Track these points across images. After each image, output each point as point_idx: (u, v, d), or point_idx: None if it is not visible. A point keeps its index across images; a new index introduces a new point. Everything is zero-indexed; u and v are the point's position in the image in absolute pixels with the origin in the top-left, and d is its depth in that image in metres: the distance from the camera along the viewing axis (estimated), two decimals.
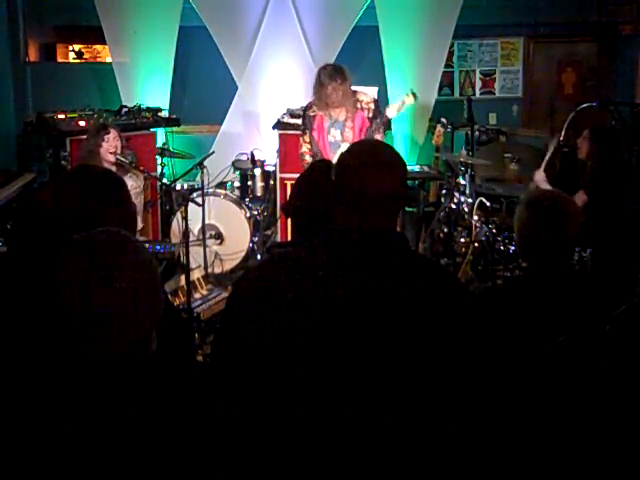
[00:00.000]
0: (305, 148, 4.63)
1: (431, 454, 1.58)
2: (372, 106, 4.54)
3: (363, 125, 4.52)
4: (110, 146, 4.44)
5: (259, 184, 6.05)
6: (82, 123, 5.60)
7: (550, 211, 2.17)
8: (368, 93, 4.65)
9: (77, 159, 4.80)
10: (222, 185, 6.08)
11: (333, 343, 1.55)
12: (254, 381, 1.58)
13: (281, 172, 5.91)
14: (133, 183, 4.60)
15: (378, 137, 4.54)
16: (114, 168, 4.34)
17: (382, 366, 1.56)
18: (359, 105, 4.51)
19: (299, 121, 5.06)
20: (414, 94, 4.70)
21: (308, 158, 4.62)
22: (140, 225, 4.72)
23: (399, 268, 1.63)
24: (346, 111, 4.49)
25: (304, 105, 4.76)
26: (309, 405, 1.56)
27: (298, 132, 4.86)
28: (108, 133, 4.45)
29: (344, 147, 4.48)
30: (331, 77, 4.36)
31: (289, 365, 1.56)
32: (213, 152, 5.30)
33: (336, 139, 4.55)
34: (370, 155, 1.70)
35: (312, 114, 4.59)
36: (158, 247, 4.30)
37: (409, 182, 5.80)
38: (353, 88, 4.55)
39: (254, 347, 1.58)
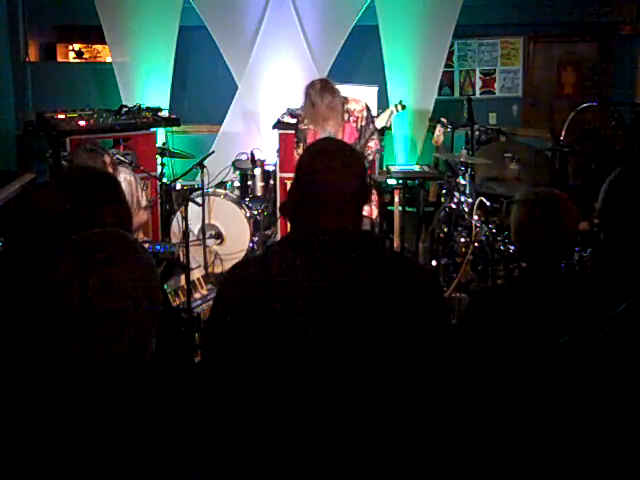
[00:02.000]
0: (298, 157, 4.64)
1: (414, 448, 1.59)
2: (365, 114, 4.54)
3: (351, 135, 4.53)
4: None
5: (259, 184, 6.05)
6: (82, 123, 5.60)
7: (546, 209, 2.16)
8: (360, 100, 4.64)
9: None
10: (222, 185, 6.07)
11: (309, 343, 1.57)
12: (245, 378, 1.58)
13: (281, 172, 5.91)
14: (125, 178, 4.58)
15: (372, 144, 4.57)
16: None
17: (361, 360, 1.57)
18: (346, 116, 4.51)
19: None
20: (403, 105, 4.74)
21: None
22: (145, 217, 4.68)
23: (367, 265, 1.63)
24: (336, 123, 4.49)
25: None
26: (293, 401, 1.56)
27: None
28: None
29: None
30: (321, 95, 4.37)
31: (272, 363, 1.57)
32: (213, 152, 5.30)
33: None
34: (324, 154, 1.71)
35: (304, 127, 4.61)
36: (158, 247, 4.30)
37: (409, 182, 5.79)
38: (344, 95, 4.55)
39: (240, 346, 1.59)
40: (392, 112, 4.69)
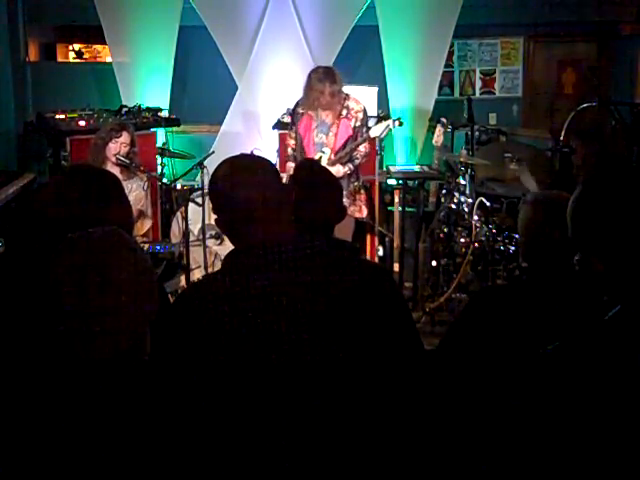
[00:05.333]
0: (290, 142, 4.71)
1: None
2: (360, 115, 4.59)
3: (345, 133, 4.57)
4: (115, 147, 4.45)
5: None
6: (82, 123, 5.60)
7: (555, 211, 2.15)
8: (360, 102, 4.68)
9: (85, 152, 4.79)
10: None
11: (277, 355, 1.55)
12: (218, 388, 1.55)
13: (281, 172, 5.89)
14: (138, 187, 4.60)
15: (362, 148, 4.60)
16: (117, 169, 4.36)
17: (328, 364, 1.57)
18: (345, 112, 4.55)
19: None
20: (401, 122, 4.80)
21: (290, 151, 4.75)
22: (149, 224, 4.73)
23: (315, 271, 1.62)
24: (333, 115, 4.53)
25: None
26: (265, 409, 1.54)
27: None
28: (119, 136, 4.46)
29: (326, 151, 4.53)
30: (321, 80, 4.41)
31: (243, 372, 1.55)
32: (213, 152, 5.30)
33: (321, 141, 4.59)
34: (237, 172, 1.70)
35: (301, 111, 4.66)
36: (158, 247, 4.30)
37: (409, 182, 5.80)
38: (347, 92, 4.59)
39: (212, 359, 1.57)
40: (388, 126, 4.72)
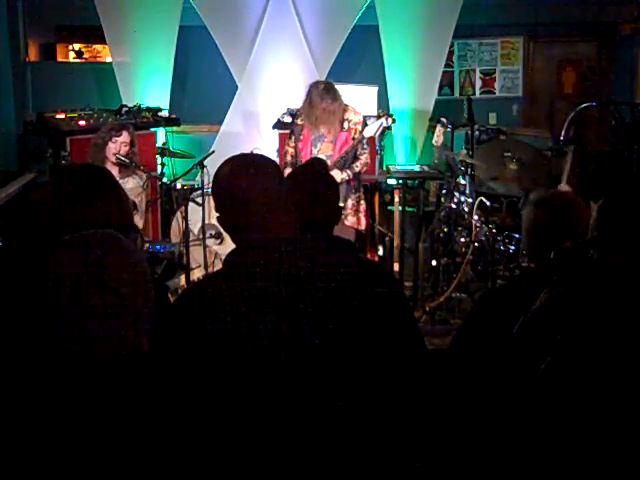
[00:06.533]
0: (289, 150, 4.72)
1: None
2: (359, 127, 4.64)
3: (345, 144, 4.59)
4: (115, 147, 4.46)
5: None
6: (82, 123, 5.60)
7: (560, 211, 2.14)
8: (359, 113, 4.72)
9: (85, 152, 4.79)
10: None
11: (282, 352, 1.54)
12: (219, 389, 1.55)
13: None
14: (135, 183, 4.60)
15: (363, 157, 4.65)
16: (116, 168, 4.37)
17: (331, 368, 1.56)
18: (346, 125, 4.59)
19: None
20: (394, 119, 4.82)
21: (289, 159, 4.75)
22: (141, 225, 4.72)
23: (317, 270, 1.61)
24: (332, 129, 4.55)
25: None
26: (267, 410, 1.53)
27: None
28: (119, 135, 4.47)
29: (321, 157, 4.54)
30: (322, 97, 4.46)
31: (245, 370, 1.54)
32: (213, 152, 5.31)
33: (319, 152, 4.63)
34: (238, 168, 1.71)
35: (300, 123, 4.68)
36: (158, 247, 4.30)
37: (409, 182, 5.79)
38: (345, 102, 4.63)
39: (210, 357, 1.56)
40: (382, 124, 4.74)
